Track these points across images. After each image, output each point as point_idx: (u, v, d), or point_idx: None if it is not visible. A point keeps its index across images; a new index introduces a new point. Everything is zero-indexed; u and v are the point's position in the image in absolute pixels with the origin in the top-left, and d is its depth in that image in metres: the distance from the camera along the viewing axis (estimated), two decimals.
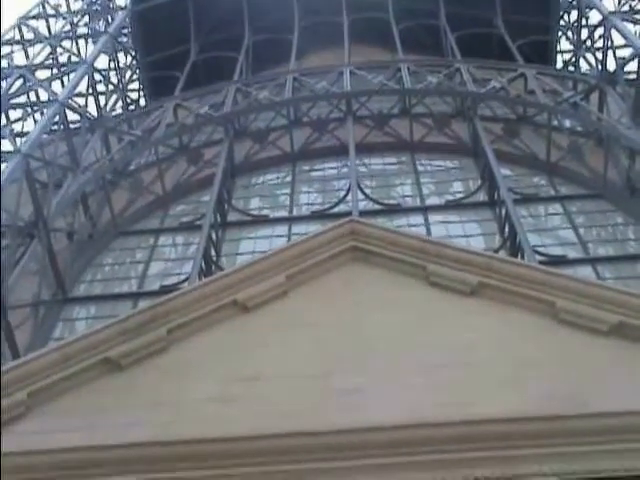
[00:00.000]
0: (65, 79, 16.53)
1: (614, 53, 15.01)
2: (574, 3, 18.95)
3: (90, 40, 18.54)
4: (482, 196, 14.22)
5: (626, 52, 14.91)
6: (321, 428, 6.06)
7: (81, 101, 16.33)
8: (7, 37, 17.62)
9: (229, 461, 5.99)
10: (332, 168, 15.57)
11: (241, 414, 6.40)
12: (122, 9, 19.93)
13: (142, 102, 20.20)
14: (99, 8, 19.58)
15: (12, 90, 15.15)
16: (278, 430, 6.09)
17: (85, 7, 19.35)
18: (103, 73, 18.09)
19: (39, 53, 16.86)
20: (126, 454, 6.11)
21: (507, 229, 12.60)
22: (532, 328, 7.01)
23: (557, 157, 14.53)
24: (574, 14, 18.81)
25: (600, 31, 15.95)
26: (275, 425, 6.16)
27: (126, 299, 12.33)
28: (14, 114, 15.77)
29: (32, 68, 16.00)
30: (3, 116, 14.61)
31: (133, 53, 20.25)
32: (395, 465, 5.84)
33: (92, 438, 6.30)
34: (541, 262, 10.62)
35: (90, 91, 16.86)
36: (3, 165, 12.42)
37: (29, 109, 16.28)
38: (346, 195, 13.90)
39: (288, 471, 5.90)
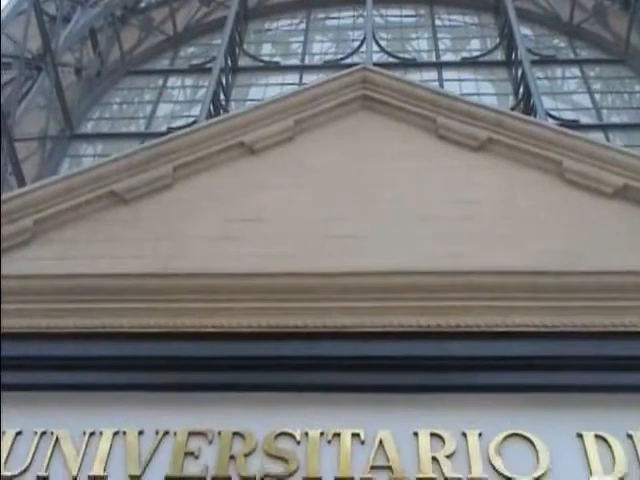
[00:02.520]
0: None
1: None
2: None
3: None
4: (499, 55, 13.92)
5: None
6: (319, 270, 6.15)
7: None
8: None
9: (228, 296, 6.10)
10: (348, 17, 15.17)
11: (242, 252, 6.49)
12: None
13: None
14: None
15: None
16: (277, 269, 6.19)
17: None
18: None
19: None
20: (128, 284, 6.23)
21: (522, 90, 12.39)
22: (537, 186, 7.00)
23: (580, 19, 14.10)
24: None
25: None
26: (275, 265, 6.25)
27: (133, 139, 12.30)
28: None
29: None
30: None
31: None
32: (390, 309, 5.96)
33: (95, 267, 6.41)
34: None
35: None
36: None
37: None
38: (360, 46, 13.62)
39: (284, 309, 6.02)
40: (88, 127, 13.32)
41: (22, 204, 6.92)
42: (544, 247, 6.31)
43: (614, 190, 6.80)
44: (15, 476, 5.38)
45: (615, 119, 12.47)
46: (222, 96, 12.85)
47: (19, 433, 5.58)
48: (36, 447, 5.52)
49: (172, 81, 14.08)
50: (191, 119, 12.35)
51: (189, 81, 14.09)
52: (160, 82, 14.05)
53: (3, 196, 7.08)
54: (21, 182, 10.71)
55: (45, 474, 5.38)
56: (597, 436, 5.30)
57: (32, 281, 6.30)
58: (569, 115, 12.18)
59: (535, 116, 10.90)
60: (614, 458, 5.19)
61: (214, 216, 6.93)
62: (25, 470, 5.41)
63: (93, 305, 6.19)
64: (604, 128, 11.85)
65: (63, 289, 6.26)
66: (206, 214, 6.97)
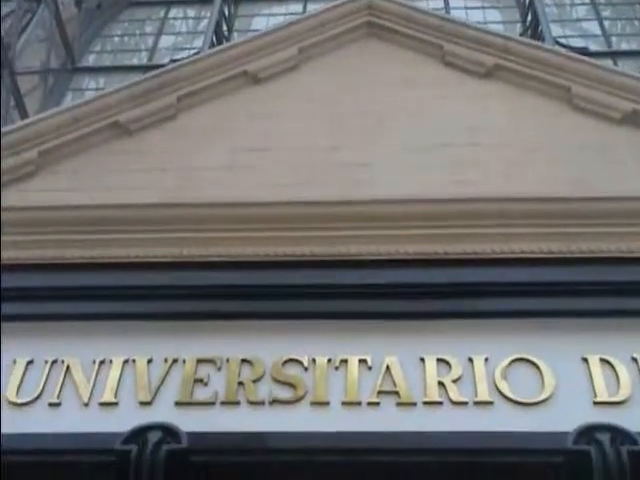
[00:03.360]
0: None
1: None
2: None
3: None
4: None
5: None
6: (326, 198, 6.14)
7: None
8: None
9: (235, 225, 6.11)
10: None
11: (249, 182, 6.47)
12: None
13: None
14: None
15: None
16: (284, 198, 6.17)
17: None
18: None
19: None
20: (134, 214, 6.23)
21: (529, 17, 12.20)
22: (545, 113, 6.92)
23: None
24: None
25: None
26: (282, 194, 6.24)
27: (136, 71, 12.15)
28: None
29: None
30: None
31: None
32: (395, 237, 5.97)
33: (101, 198, 6.41)
34: None
35: None
36: None
37: None
38: None
39: (291, 237, 6.03)
40: (90, 60, 13.17)
41: (26, 136, 6.88)
42: (551, 173, 6.28)
43: (623, 116, 6.73)
44: (27, 403, 5.47)
45: (625, 46, 12.28)
46: (224, 27, 12.68)
47: (30, 362, 5.65)
48: (47, 376, 5.59)
49: (174, 12, 13.86)
50: (193, 51, 12.18)
51: (191, 12, 13.87)
52: (162, 13, 13.84)
53: (6, 128, 7.05)
54: (24, 116, 10.63)
55: (57, 401, 5.46)
56: (602, 360, 5.34)
57: (38, 213, 6.31)
58: (578, 42, 11.98)
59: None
60: (619, 381, 5.25)
61: (220, 146, 6.89)
62: (37, 398, 5.49)
63: (99, 236, 6.20)
64: (613, 55, 11.66)
65: (69, 220, 6.27)
66: (212, 144, 6.93)
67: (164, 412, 5.34)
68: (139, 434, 5.15)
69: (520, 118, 6.86)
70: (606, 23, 12.65)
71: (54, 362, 5.65)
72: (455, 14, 12.34)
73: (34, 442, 5.22)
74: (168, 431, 5.16)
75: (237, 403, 5.37)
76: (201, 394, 5.43)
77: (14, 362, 5.64)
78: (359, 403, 5.31)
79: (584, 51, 11.42)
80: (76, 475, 5.16)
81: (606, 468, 4.76)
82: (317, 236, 6.03)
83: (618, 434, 4.90)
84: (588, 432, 4.94)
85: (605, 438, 4.88)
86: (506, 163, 6.39)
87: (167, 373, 5.55)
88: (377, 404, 5.29)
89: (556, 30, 11.96)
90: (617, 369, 5.29)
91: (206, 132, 7.08)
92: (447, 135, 6.72)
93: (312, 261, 5.94)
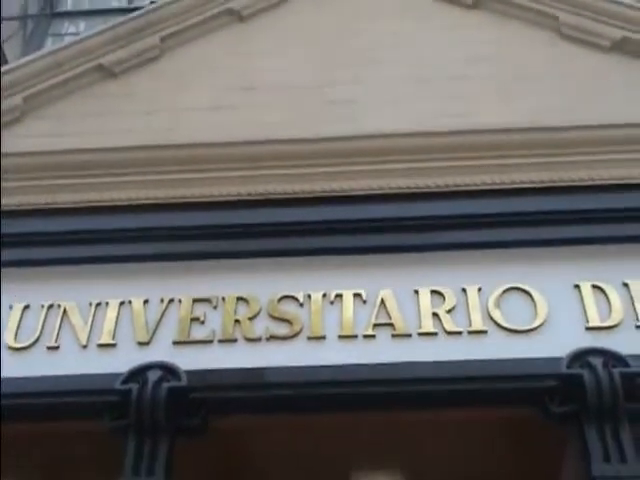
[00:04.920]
0: None
1: None
2: None
3: None
4: None
5: None
6: (316, 135, 6.11)
7: None
8: None
9: (224, 165, 6.09)
10: None
11: (236, 122, 6.42)
12: None
13: None
14: None
15: None
16: (273, 137, 6.14)
17: None
18: None
19: None
20: (121, 157, 6.20)
21: None
22: (534, 42, 6.84)
23: None
24: None
25: None
26: (271, 132, 6.20)
27: (115, 14, 11.91)
28: None
29: None
30: None
31: None
32: (387, 171, 5.97)
33: (88, 142, 6.34)
34: None
35: None
36: None
37: None
38: None
39: (282, 175, 6.02)
40: (68, 4, 12.93)
41: (9, 81, 6.78)
42: (540, 103, 6.25)
43: (612, 43, 6.67)
44: (25, 348, 5.50)
45: None
46: None
47: (27, 307, 5.68)
48: (44, 320, 5.62)
49: None
50: None
51: None
52: None
53: None
54: (4, 62, 10.47)
55: (55, 344, 5.50)
56: (594, 286, 5.40)
57: (26, 158, 6.26)
58: None
59: None
60: (610, 306, 5.32)
61: (206, 86, 6.82)
62: (35, 342, 5.53)
63: (90, 180, 6.17)
64: None
65: (58, 165, 6.22)
66: (198, 84, 6.85)
67: (162, 352, 5.40)
68: (139, 373, 5.22)
69: (510, 48, 6.78)
70: None
71: (50, 306, 5.68)
72: None
73: (34, 385, 5.28)
74: (167, 370, 5.23)
75: (234, 340, 5.42)
76: (198, 333, 5.48)
77: (10, 307, 5.66)
78: (355, 336, 5.37)
79: None
80: (77, 416, 5.22)
81: (599, 391, 4.85)
82: (307, 173, 6.02)
83: (610, 357, 4.99)
84: (581, 356, 5.03)
85: (598, 362, 4.97)
86: (497, 94, 6.36)
87: (164, 313, 5.59)
88: (373, 337, 5.35)
89: None
90: (609, 295, 5.36)
91: (191, 72, 7.00)
92: (436, 67, 6.67)
93: (303, 198, 5.94)
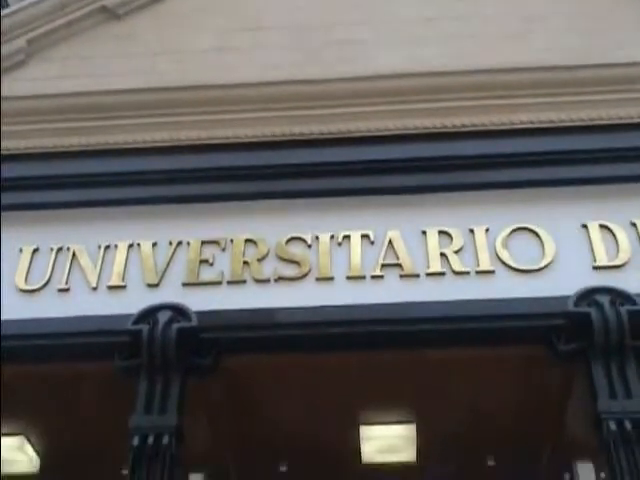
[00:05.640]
0: None
1: None
2: None
3: None
4: None
5: None
6: (322, 76, 6.05)
7: None
8: None
9: (231, 107, 6.05)
10: None
11: (242, 63, 6.37)
12: None
13: None
14: None
15: None
16: (279, 78, 6.09)
17: None
18: None
19: None
20: (128, 100, 6.15)
21: None
22: None
23: None
24: None
25: None
26: (276, 73, 6.15)
27: None
28: None
29: None
30: None
31: None
32: (395, 112, 5.93)
33: (93, 84, 6.30)
34: None
35: None
36: None
37: None
38: None
39: (288, 117, 5.99)
40: None
41: (13, 24, 6.72)
42: (550, 43, 6.18)
43: None
44: (36, 290, 5.54)
45: None
46: None
47: (36, 250, 5.70)
48: (54, 263, 5.65)
49: None
50: None
51: None
52: None
53: None
54: (6, 6, 10.35)
55: (66, 287, 5.54)
56: (601, 226, 5.41)
57: (32, 102, 6.22)
58: None
59: None
60: (618, 245, 5.33)
61: (211, 27, 6.75)
62: (46, 284, 5.57)
63: (97, 123, 6.15)
64: None
65: (65, 108, 6.19)
66: (203, 26, 6.78)
67: (172, 293, 5.44)
68: (149, 314, 5.26)
69: None
70: None
71: (59, 249, 5.71)
72: None
73: (46, 326, 5.32)
74: (177, 310, 5.27)
75: (243, 282, 5.45)
76: (207, 275, 5.51)
77: (20, 251, 5.68)
78: (363, 277, 5.39)
79: None
80: (89, 356, 5.27)
81: (606, 328, 4.89)
82: (315, 115, 5.99)
83: (617, 296, 5.02)
84: (588, 295, 5.06)
85: (605, 300, 5.00)
86: (504, 34, 6.29)
87: (172, 256, 5.61)
88: (381, 277, 5.38)
89: None
90: (616, 234, 5.37)
91: (196, 13, 6.92)
92: (442, 7, 6.59)
93: (311, 140, 5.93)
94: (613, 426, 4.65)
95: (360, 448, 6.23)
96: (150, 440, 4.85)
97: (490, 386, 5.53)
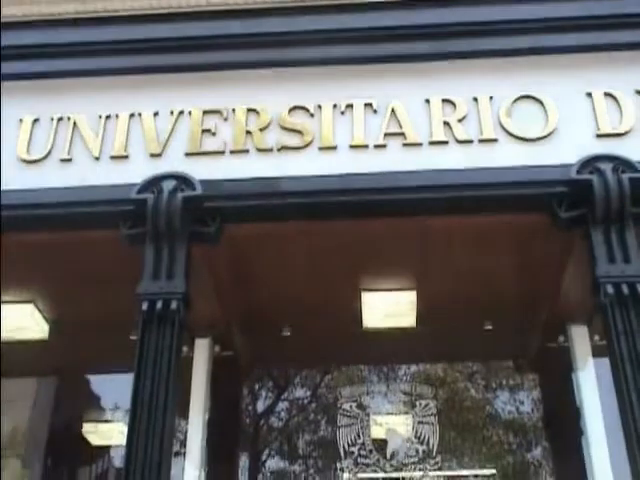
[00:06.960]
0: None
1: None
2: None
3: None
4: None
5: None
6: None
7: None
8: None
9: None
10: None
11: None
12: None
13: None
14: None
15: None
16: None
17: None
18: None
19: None
20: None
21: None
22: None
23: None
24: None
25: None
26: None
27: None
28: None
29: None
30: None
31: None
32: None
33: None
34: None
35: None
36: None
37: None
38: None
39: None
40: None
41: None
42: None
43: None
44: (38, 160, 5.53)
45: None
46: None
47: (36, 120, 5.66)
48: (55, 132, 5.62)
49: None
50: None
51: None
52: None
53: None
54: None
55: (68, 157, 5.53)
56: (606, 94, 5.37)
57: None
58: None
59: None
60: (622, 113, 5.30)
61: None
62: (48, 154, 5.55)
63: None
64: None
65: None
66: None
67: (175, 163, 5.44)
68: (154, 183, 5.28)
69: None
70: None
71: (60, 119, 5.67)
72: None
73: (50, 196, 5.34)
74: (182, 179, 5.29)
75: (246, 151, 5.44)
76: (210, 144, 5.49)
77: (20, 121, 5.64)
78: (366, 146, 5.39)
79: None
80: (94, 226, 5.32)
81: (607, 195, 4.93)
82: None
83: (620, 163, 5.04)
84: (590, 162, 5.08)
85: (607, 167, 5.02)
86: None
87: (174, 125, 5.58)
88: (384, 146, 5.37)
89: None
90: (620, 102, 5.33)
91: None
92: None
93: (313, 6, 5.77)
94: (610, 289, 4.76)
95: (361, 314, 6.40)
96: (159, 305, 4.96)
97: (491, 253, 5.63)
